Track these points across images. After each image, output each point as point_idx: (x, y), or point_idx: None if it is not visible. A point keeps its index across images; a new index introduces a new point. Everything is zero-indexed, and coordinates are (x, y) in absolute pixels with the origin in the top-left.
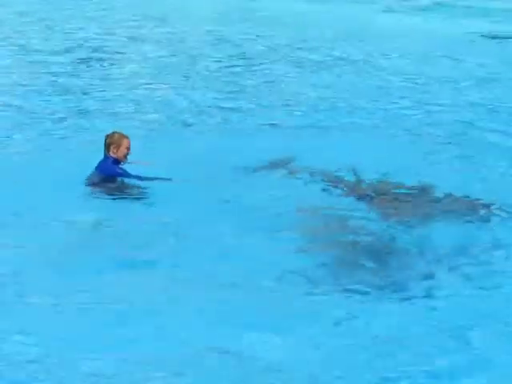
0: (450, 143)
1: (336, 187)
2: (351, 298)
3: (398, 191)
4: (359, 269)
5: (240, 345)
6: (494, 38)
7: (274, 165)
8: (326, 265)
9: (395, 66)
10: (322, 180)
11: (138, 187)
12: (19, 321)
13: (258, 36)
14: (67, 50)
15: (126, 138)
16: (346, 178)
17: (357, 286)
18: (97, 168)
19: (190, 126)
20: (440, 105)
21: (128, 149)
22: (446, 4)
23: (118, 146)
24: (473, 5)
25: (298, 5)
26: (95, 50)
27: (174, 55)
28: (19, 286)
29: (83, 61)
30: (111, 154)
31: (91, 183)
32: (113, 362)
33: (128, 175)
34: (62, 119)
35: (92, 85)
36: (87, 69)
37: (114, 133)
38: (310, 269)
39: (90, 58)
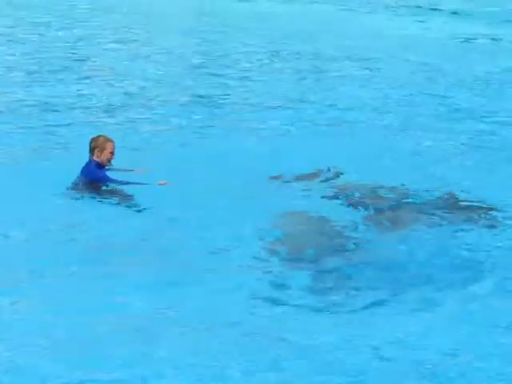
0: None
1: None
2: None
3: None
4: (355, 280)
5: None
6: (491, 39)
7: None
8: (322, 276)
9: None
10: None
11: (121, 191)
12: None
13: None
14: (62, 51)
15: (111, 141)
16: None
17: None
18: (81, 172)
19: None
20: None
21: (112, 153)
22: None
23: (102, 150)
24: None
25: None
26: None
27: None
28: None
29: (78, 61)
30: (95, 157)
31: (75, 187)
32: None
33: (110, 180)
34: (51, 121)
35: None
36: (82, 70)
37: (98, 136)
38: (303, 280)
39: (85, 59)
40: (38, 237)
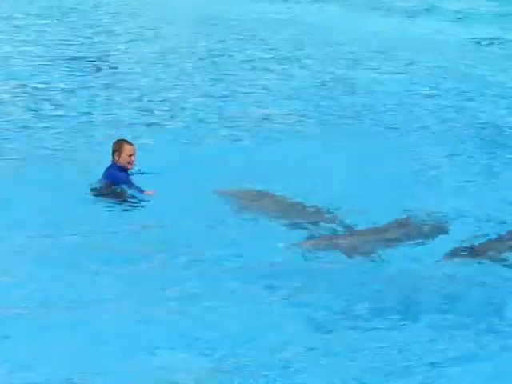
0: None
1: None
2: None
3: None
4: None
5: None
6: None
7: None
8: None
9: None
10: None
11: (139, 195)
12: None
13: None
14: (72, 55)
15: (129, 144)
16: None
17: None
18: (103, 174)
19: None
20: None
21: (131, 155)
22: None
23: (120, 153)
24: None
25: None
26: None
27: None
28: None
29: (88, 65)
30: (115, 161)
31: (95, 189)
32: None
33: (127, 183)
34: (72, 124)
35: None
36: (95, 74)
37: (117, 140)
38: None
39: (95, 63)
40: (55, 237)
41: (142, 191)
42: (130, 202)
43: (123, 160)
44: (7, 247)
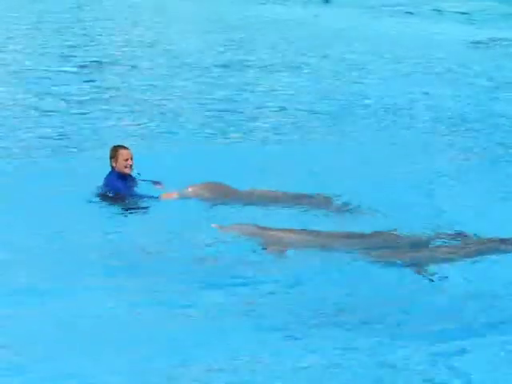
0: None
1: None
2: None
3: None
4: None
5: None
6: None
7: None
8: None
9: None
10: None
11: (139, 201)
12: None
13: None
14: (75, 60)
15: (125, 149)
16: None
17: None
18: (103, 181)
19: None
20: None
21: (127, 160)
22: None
23: (117, 159)
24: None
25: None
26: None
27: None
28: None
29: (90, 70)
30: (113, 167)
31: (96, 195)
32: None
33: (126, 191)
34: (75, 131)
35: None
36: (95, 78)
37: (113, 146)
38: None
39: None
40: (54, 245)
41: (150, 197)
42: (131, 208)
43: (120, 165)
44: (7, 249)
